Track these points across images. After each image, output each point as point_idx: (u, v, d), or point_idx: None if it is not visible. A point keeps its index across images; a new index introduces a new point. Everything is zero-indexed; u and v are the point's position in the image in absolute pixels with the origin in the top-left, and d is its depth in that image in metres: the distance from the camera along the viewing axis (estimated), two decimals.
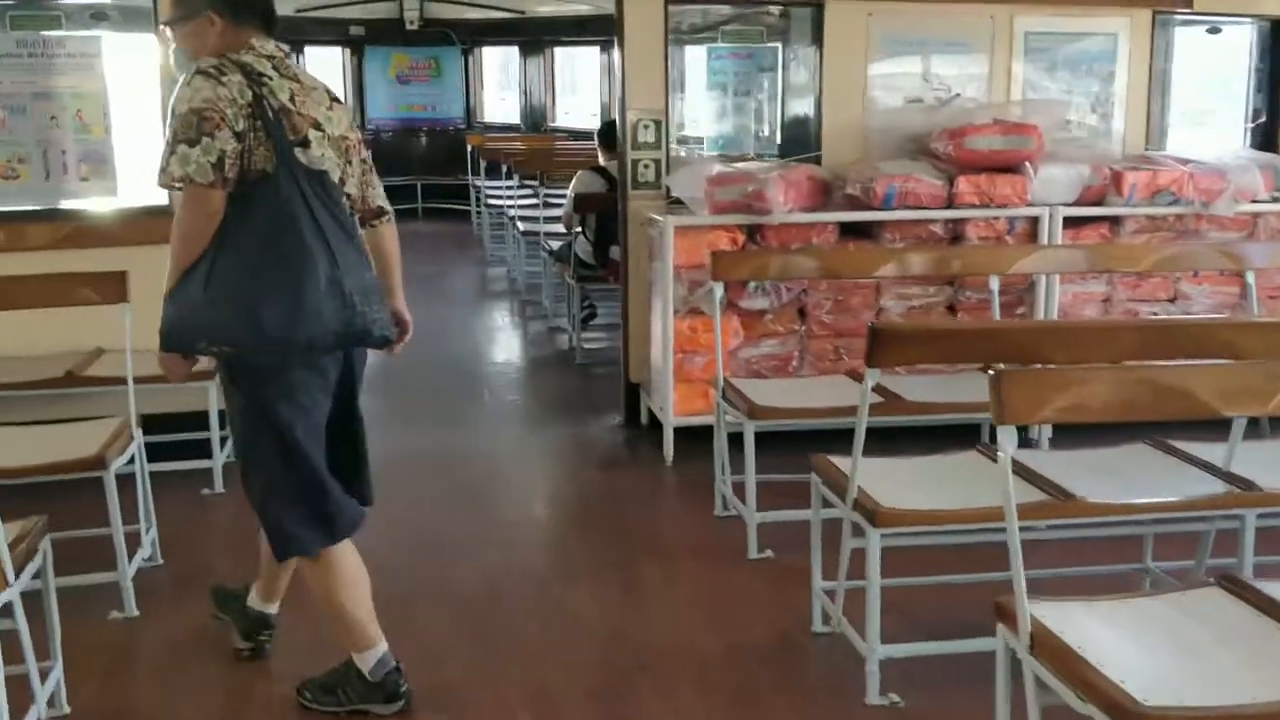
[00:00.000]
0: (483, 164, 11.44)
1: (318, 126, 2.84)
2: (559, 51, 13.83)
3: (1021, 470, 3.12)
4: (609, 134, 7.14)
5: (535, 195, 10.12)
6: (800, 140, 5.91)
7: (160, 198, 4.46)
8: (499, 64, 14.49)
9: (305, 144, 2.78)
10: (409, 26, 13.67)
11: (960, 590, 3.49)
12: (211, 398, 4.70)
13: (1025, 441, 5.09)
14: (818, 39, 5.64)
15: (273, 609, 3.38)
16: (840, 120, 5.67)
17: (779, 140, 5.92)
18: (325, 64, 13.99)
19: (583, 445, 5.54)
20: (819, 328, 5.27)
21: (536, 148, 11.66)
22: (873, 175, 5.11)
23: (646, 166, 5.61)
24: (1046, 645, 2.17)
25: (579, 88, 14.05)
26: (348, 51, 14.00)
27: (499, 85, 14.58)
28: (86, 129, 5.26)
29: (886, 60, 5.63)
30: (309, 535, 2.91)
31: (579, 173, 7.18)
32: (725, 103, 5.88)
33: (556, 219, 9.03)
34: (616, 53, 5.63)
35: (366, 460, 3.13)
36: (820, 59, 5.64)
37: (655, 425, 5.40)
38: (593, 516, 4.67)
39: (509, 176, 10.25)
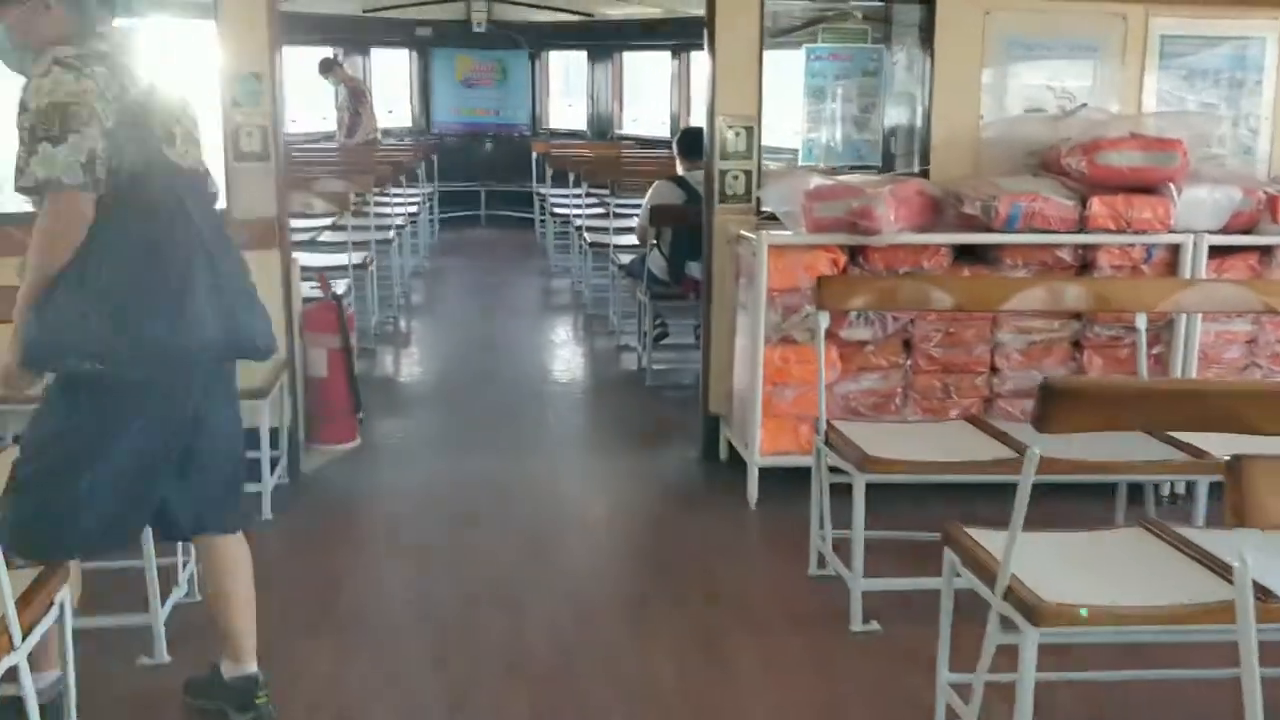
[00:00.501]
0: (549, 171, 10.97)
1: (179, 121, 2.63)
2: (626, 56, 13.34)
3: (1188, 547, 2.60)
4: (689, 142, 6.63)
5: (603, 205, 9.66)
6: (905, 151, 5.37)
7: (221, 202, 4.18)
8: (565, 69, 14.02)
9: (171, 140, 2.60)
10: (476, 29, 13.25)
11: (1133, 689, 2.94)
12: (265, 414, 4.26)
13: (1159, 501, 4.51)
14: (927, 40, 5.10)
15: (251, 668, 2.97)
16: (951, 130, 5.12)
17: (881, 151, 5.37)
18: (391, 66, 13.64)
19: (656, 481, 5.02)
20: (926, 362, 4.72)
21: (604, 155, 11.17)
22: (994, 193, 4.55)
23: (736, 178, 5.10)
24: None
25: (646, 94, 13.55)
26: (414, 54, 13.61)
27: (565, 91, 14.11)
28: None
29: (1004, 64, 5.07)
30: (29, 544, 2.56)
31: (655, 183, 6.67)
32: (823, 109, 5.35)
33: (626, 230, 8.56)
34: (705, 54, 5.11)
35: (221, 486, 2.86)
36: (930, 62, 5.09)
37: (736, 461, 4.87)
38: (671, 568, 4.14)
39: (576, 185, 9.78)
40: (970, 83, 5.09)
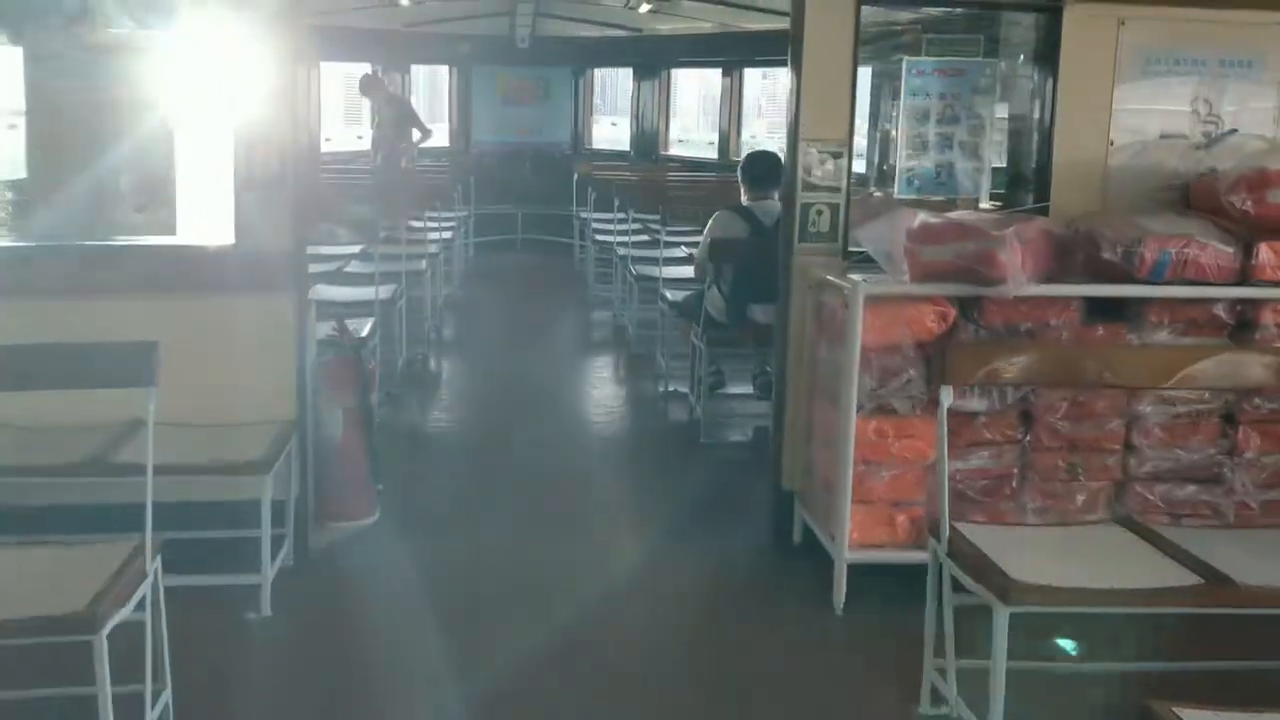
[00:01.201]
0: (590, 194, 10.25)
1: None
2: (675, 74, 12.62)
3: None
4: (760, 169, 5.91)
5: (648, 232, 8.94)
6: (1021, 182, 4.62)
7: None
8: (611, 87, 13.33)
9: None
10: (519, 45, 12.59)
11: None
12: (268, 488, 3.58)
13: None
14: (1050, 53, 4.36)
15: None
16: (1075, 158, 4.38)
17: (992, 182, 4.61)
18: (431, 83, 13.01)
19: (718, 572, 4.25)
20: (1049, 438, 3.95)
21: (650, 178, 10.46)
22: (1137, 235, 3.78)
23: (820, 212, 4.36)
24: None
25: (693, 114, 12.85)
26: (454, 71, 12.96)
27: (609, 109, 13.42)
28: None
29: (1141, 82, 4.32)
30: None
31: (717, 213, 5.93)
32: (925, 131, 4.60)
33: (676, 261, 7.83)
34: (789, 71, 4.40)
35: None
36: (1052, 79, 4.35)
37: (814, 548, 4.13)
38: (737, 695, 3.38)
39: (620, 209, 9.07)
40: (1099, 104, 4.35)
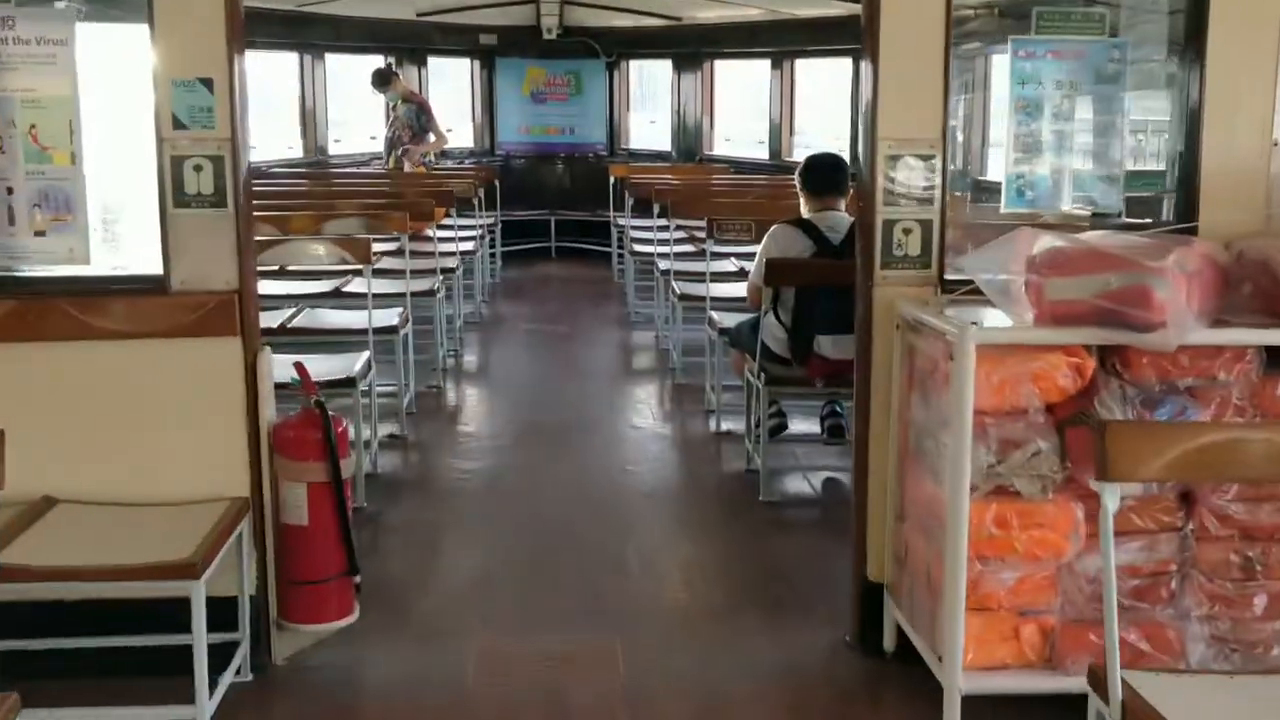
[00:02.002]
0: (628, 199, 9.38)
1: None
2: (718, 66, 11.70)
3: None
4: (823, 174, 5.04)
5: (693, 242, 8.07)
6: (1149, 191, 3.71)
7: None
8: (649, 81, 12.43)
9: None
10: (546, 35, 11.73)
11: None
12: (200, 595, 2.83)
13: None
14: (1195, 34, 3.45)
15: None
16: (1229, 165, 3.46)
17: (1123, 192, 3.68)
18: (451, 77, 12.16)
19: (787, 686, 3.36)
20: (1218, 525, 3.04)
21: (693, 183, 9.57)
22: None
23: (908, 231, 3.48)
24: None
25: (739, 110, 11.93)
26: (477, 63, 12.11)
27: (647, 105, 12.52)
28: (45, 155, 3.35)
29: None
30: None
31: (774, 228, 5.04)
32: (1037, 129, 3.69)
33: (726, 278, 6.95)
34: (865, 59, 3.54)
35: None
36: (1199, 65, 3.43)
37: (910, 657, 3.25)
38: None
39: (661, 216, 8.20)
40: (1260, 96, 3.43)
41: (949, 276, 3.48)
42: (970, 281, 3.28)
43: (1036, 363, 2.97)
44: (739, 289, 6.76)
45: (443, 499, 4.94)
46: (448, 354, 7.15)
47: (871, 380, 3.53)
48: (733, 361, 5.68)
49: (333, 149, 10.53)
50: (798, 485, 5.13)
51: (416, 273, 6.64)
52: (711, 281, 6.50)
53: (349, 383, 4.59)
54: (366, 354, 4.93)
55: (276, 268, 6.04)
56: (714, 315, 6.07)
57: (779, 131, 10.70)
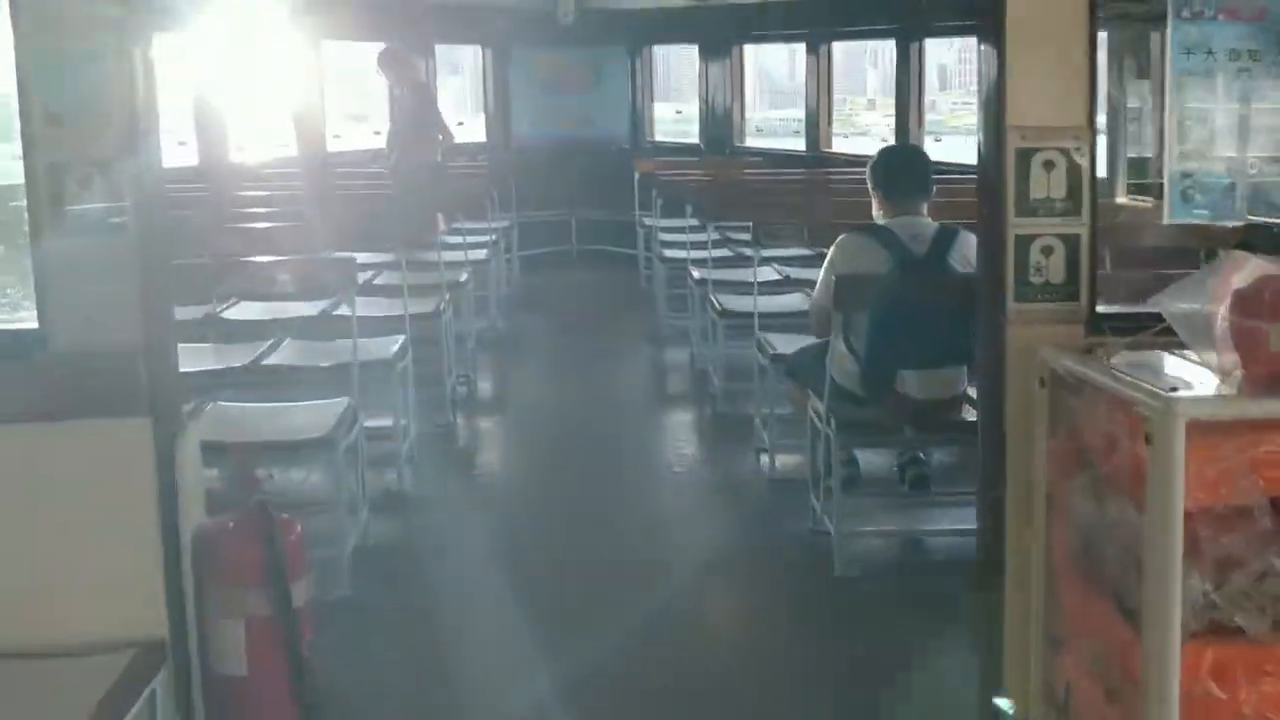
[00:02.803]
0: (657, 200, 8.47)
1: None
2: (749, 51, 10.75)
3: None
4: (902, 172, 4.15)
5: (730, 245, 7.20)
6: None
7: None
8: (671, 68, 11.52)
9: None
10: (562, 20, 10.82)
11: None
12: None
13: None
14: None
15: None
16: None
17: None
18: (460, 67, 11.27)
19: None
20: None
21: (727, 178, 8.64)
22: None
23: (1049, 250, 2.61)
24: None
25: (771, 97, 11.01)
26: (488, 52, 11.22)
27: (671, 94, 11.61)
28: None
29: None
30: None
31: (843, 238, 4.14)
32: (1209, 112, 2.80)
33: (774, 288, 6.05)
34: (986, 34, 2.63)
35: None
36: None
37: None
38: None
39: (694, 216, 7.32)
40: None
41: (1102, 308, 2.60)
42: (1135, 316, 2.42)
43: (1263, 445, 2.08)
44: (789, 303, 5.90)
45: (447, 577, 4.06)
46: (459, 381, 6.29)
47: (1006, 453, 2.63)
48: (789, 393, 4.80)
49: (330, 146, 9.63)
50: (879, 553, 4.24)
51: (419, 288, 5.79)
52: (760, 293, 5.59)
53: (326, 443, 3.72)
54: (344, 402, 4.05)
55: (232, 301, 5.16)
56: (765, 337, 5.17)
57: (816, 121, 9.74)
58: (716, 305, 5.93)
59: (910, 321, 3.89)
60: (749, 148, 10.65)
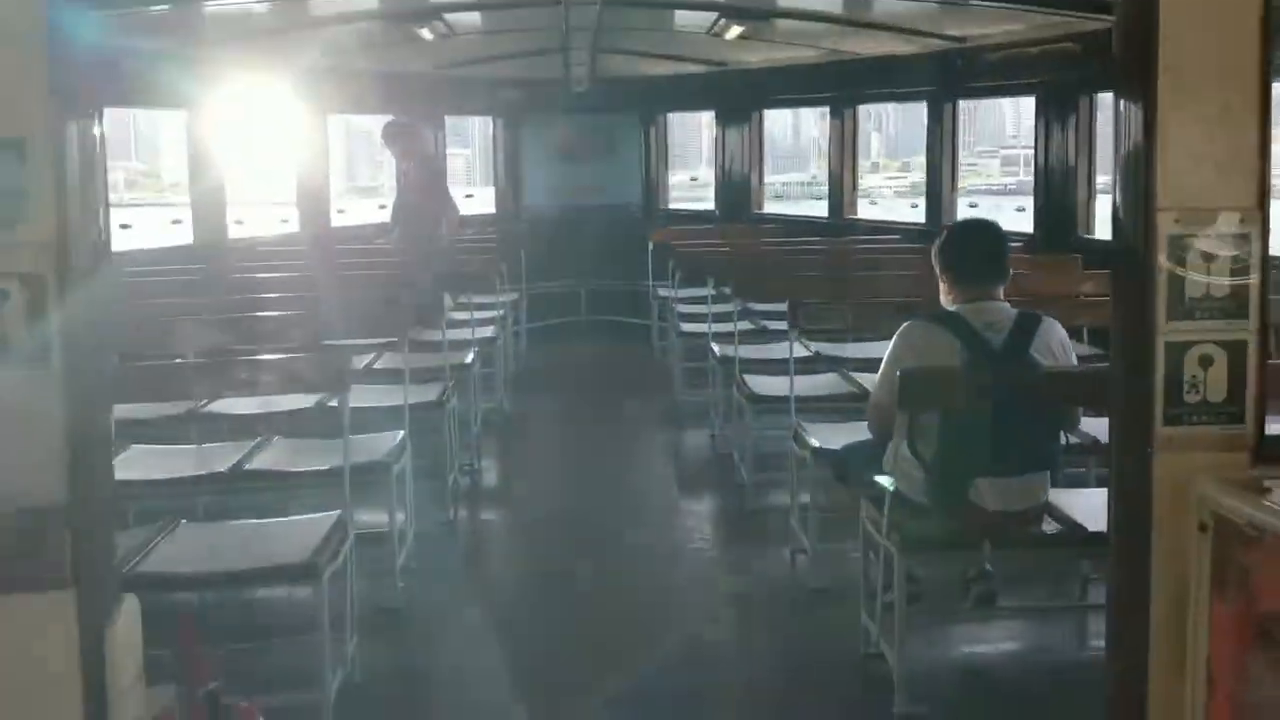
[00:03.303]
0: (674, 270, 7.97)
1: None
2: (769, 116, 10.33)
3: None
4: (976, 252, 3.66)
5: (751, 317, 6.72)
6: None
7: None
8: (687, 135, 11.10)
9: None
10: (575, 89, 10.41)
11: None
12: None
13: None
14: None
15: None
16: None
17: None
18: (469, 138, 10.86)
19: None
20: None
21: (749, 248, 8.16)
22: None
23: (1208, 361, 2.11)
24: None
25: (789, 162, 10.56)
26: (499, 122, 10.81)
27: (686, 161, 11.19)
28: None
29: None
30: None
31: (907, 325, 3.61)
32: None
33: (810, 367, 5.55)
34: (1128, 92, 2.15)
35: None
36: None
37: None
38: None
39: (713, 286, 6.84)
40: None
41: (1275, 430, 2.09)
42: None
43: None
44: (824, 384, 5.40)
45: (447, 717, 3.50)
46: (462, 470, 5.76)
47: (1150, 613, 2.10)
48: (834, 493, 4.27)
49: (335, 220, 9.17)
50: (947, 683, 3.68)
51: (422, 371, 5.29)
52: (788, 373, 5.08)
53: (308, 569, 3.18)
54: (333, 517, 3.51)
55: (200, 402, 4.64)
56: (802, 426, 4.65)
57: (839, 186, 9.28)
58: (746, 388, 5.41)
59: (987, 423, 3.37)
60: (767, 214, 10.19)
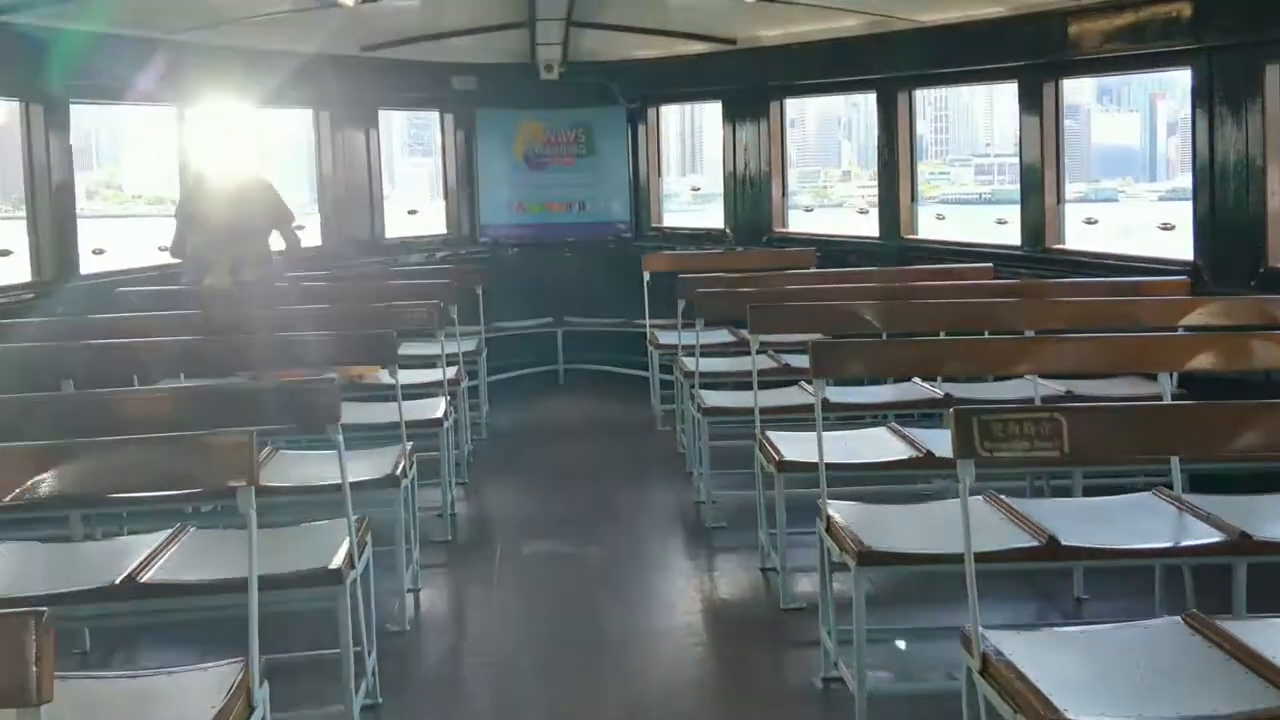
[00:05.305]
0: (680, 307, 5.82)
1: None
2: (790, 105, 8.19)
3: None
4: None
5: (780, 373, 4.76)
6: None
7: None
8: (688, 131, 9.03)
9: None
10: (544, 75, 8.32)
11: None
12: None
13: None
14: None
15: None
16: None
17: None
18: (407, 135, 8.76)
19: None
20: None
21: (783, 288, 5.95)
22: None
23: None
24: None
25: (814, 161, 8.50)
26: (449, 118, 8.66)
27: (685, 166, 9.12)
28: None
29: None
30: None
31: None
32: None
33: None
34: None
35: None
36: None
37: None
38: None
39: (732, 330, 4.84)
40: None
41: None
42: None
43: None
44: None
45: None
46: (404, 604, 3.62)
47: None
48: None
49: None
50: None
51: (307, 506, 3.16)
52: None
53: None
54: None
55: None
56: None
57: (894, 197, 7.15)
58: (828, 517, 3.27)
59: None
60: (790, 234, 8.07)
